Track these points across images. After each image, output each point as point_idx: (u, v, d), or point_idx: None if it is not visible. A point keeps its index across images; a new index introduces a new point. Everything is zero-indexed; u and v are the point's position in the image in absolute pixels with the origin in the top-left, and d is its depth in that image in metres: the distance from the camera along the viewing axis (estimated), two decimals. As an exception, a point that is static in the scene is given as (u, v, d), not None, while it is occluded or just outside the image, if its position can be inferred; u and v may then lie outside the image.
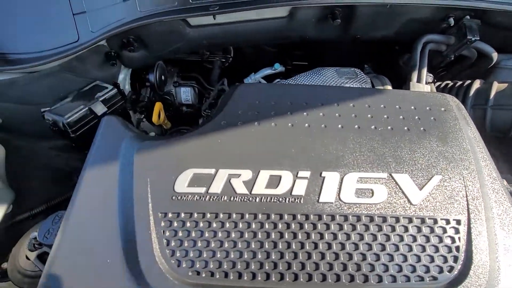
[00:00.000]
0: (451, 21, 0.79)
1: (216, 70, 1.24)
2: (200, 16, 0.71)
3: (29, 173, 0.91)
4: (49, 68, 0.77)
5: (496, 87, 0.79)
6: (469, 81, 0.85)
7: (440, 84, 0.91)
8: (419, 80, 0.79)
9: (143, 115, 1.10)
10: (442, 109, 0.61)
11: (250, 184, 0.48)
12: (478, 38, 0.77)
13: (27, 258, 0.71)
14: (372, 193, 0.48)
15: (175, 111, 1.23)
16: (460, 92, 0.84)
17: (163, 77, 1.10)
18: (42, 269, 0.66)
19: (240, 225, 0.45)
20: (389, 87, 0.90)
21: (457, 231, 0.46)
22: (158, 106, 0.89)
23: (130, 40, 0.80)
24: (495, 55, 0.83)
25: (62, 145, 0.94)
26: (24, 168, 0.91)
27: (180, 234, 0.45)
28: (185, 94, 1.24)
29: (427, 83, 0.82)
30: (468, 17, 0.79)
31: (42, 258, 0.69)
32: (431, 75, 0.87)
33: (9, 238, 0.80)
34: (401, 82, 0.94)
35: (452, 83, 0.89)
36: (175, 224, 0.45)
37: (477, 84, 0.83)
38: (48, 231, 0.65)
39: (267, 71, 1.13)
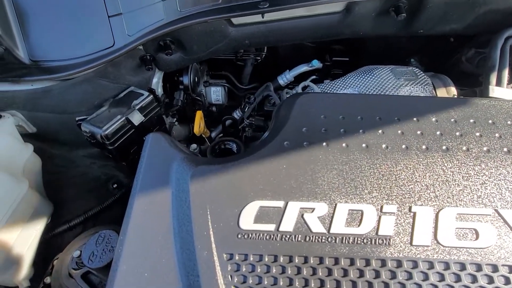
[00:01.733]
0: (541, 11, 0.67)
1: (248, 68, 1.16)
2: (248, 15, 0.62)
3: (65, 183, 0.89)
4: (84, 75, 0.72)
5: None
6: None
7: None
8: (499, 84, 0.68)
9: (175, 119, 1.05)
10: (545, 123, 0.50)
11: (327, 221, 0.41)
12: None
13: (69, 275, 0.69)
14: (477, 234, 0.40)
15: (205, 111, 1.17)
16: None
17: (196, 79, 1.04)
18: (85, 289, 0.64)
19: (320, 272, 0.39)
20: (453, 88, 0.79)
21: None
22: (199, 115, 0.83)
23: (167, 43, 0.73)
24: None
25: (97, 153, 0.91)
26: (60, 178, 0.88)
27: (250, 281, 0.39)
28: (216, 94, 1.18)
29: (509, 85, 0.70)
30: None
31: (86, 277, 0.67)
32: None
33: (49, 250, 0.79)
34: (462, 79, 0.83)
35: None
36: (244, 268, 0.39)
37: None
38: (93, 254, 0.61)
39: (303, 67, 1.04)
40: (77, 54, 0.69)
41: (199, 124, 0.81)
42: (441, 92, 0.79)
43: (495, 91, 0.67)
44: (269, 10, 0.61)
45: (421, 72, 0.81)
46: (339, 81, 0.85)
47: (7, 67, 0.70)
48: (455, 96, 0.76)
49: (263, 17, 0.68)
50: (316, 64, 1.04)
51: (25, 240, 0.71)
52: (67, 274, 0.70)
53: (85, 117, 0.75)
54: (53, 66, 0.69)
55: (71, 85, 0.73)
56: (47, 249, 0.79)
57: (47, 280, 0.74)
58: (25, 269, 0.70)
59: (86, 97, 0.77)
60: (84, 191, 0.91)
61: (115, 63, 0.74)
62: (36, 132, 0.83)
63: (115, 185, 0.93)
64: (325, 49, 1.17)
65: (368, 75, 0.82)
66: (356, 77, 0.84)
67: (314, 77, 0.98)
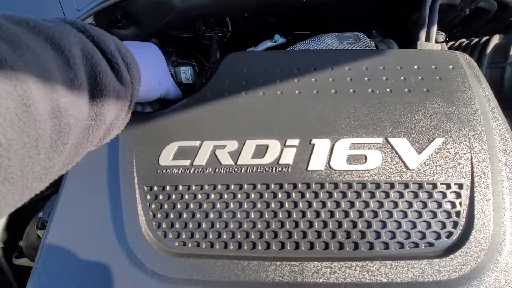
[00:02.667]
0: (466, -32, 0.70)
1: (214, 46, 1.19)
2: (184, -17, 0.66)
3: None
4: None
5: (517, 41, 0.70)
6: (486, 37, 0.76)
7: (454, 43, 0.82)
8: (428, 39, 0.72)
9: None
10: (450, 67, 0.55)
11: (235, 154, 0.47)
12: (498, -15, 0.68)
13: (38, 236, 0.75)
14: (366, 159, 0.45)
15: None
16: (475, 49, 0.76)
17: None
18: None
19: (225, 196, 0.44)
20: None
21: (458, 195, 0.42)
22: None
23: (118, 17, 0.77)
24: (518, 5, 0.73)
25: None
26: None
27: (166, 206, 0.44)
28: (185, 74, 1.21)
29: (437, 42, 0.74)
30: (485, -39, 0.69)
31: (52, 235, 0.73)
32: (443, 33, 0.79)
33: (23, 219, 0.85)
34: (412, 44, 0.86)
35: (467, 41, 0.80)
36: (161, 197, 0.45)
37: (495, 39, 0.74)
38: (52, 210, 0.68)
39: (268, 43, 1.07)
40: (31, 30, 0.73)
41: None
42: (384, 54, 0.83)
43: (423, 46, 0.71)
44: (203, -22, 0.65)
45: (364, 36, 0.85)
46: (290, 49, 0.89)
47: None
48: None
49: (201, -14, 0.72)
50: (279, 39, 1.07)
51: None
52: (36, 236, 0.76)
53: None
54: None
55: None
56: (22, 218, 0.85)
57: (21, 243, 0.80)
58: (-2, 231, 0.76)
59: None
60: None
61: (71, 39, 0.78)
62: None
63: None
64: (288, 25, 1.21)
65: (314, 41, 0.86)
66: (304, 44, 0.88)
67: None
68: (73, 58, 0.28)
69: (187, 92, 1.22)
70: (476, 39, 0.78)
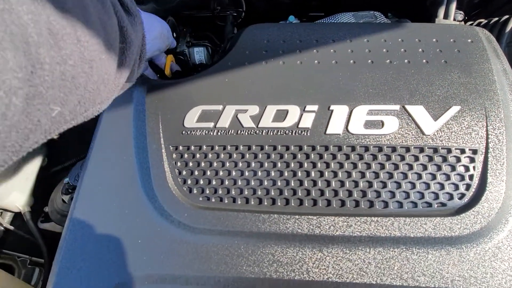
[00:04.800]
0: None
1: (228, 27, 1.20)
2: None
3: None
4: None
5: (538, 20, 0.69)
6: (506, 17, 0.75)
7: (472, 23, 0.82)
8: (446, 17, 0.72)
9: (157, 75, 1.13)
10: (469, 40, 0.55)
11: (256, 118, 0.49)
12: (521, -39, 0.67)
13: (63, 201, 0.79)
14: (382, 124, 0.47)
15: (190, 71, 1.24)
16: (494, 29, 0.75)
17: (174, 34, 1.09)
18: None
19: (247, 156, 0.47)
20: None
21: (472, 160, 0.44)
22: (169, 58, 0.90)
23: (138, -9, 0.79)
24: (541, -18, 0.72)
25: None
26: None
27: (190, 164, 0.47)
28: (199, 54, 1.23)
29: (455, 20, 0.74)
30: None
31: (76, 200, 0.77)
32: (461, 12, 0.78)
33: (47, 187, 0.90)
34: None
35: (486, 21, 0.80)
36: (186, 156, 0.48)
37: (515, 18, 0.73)
38: (77, 175, 0.71)
39: (281, 24, 1.08)
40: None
41: (170, 66, 0.88)
42: (400, 34, 0.83)
43: (441, 22, 0.71)
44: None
45: (381, 15, 0.85)
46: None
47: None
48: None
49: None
50: (293, 19, 1.07)
51: (23, 172, 0.82)
52: (60, 200, 0.80)
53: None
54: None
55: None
56: (46, 186, 0.90)
57: (46, 209, 0.85)
58: (25, 196, 0.81)
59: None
60: (77, 138, 1.00)
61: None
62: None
63: (104, 134, 1.02)
64: (302, 5, 1.20)
65: (331, 19, 0.86)
66: (321, 22, 0.88)
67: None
68: None
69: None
70: (496, 18, 0.77)
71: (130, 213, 0.46)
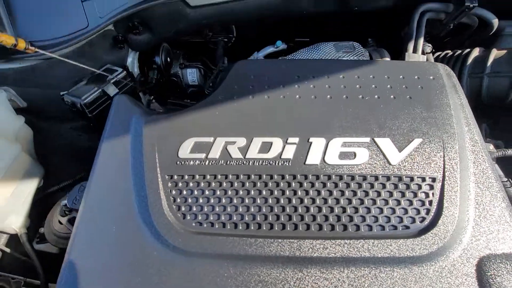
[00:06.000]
0: (450, -13, 0.78)
1: (219, 50, 1.27)
2: (197, -4, 0.74)
3: (54, 152, 1.02)
4: (65, 53, 0.84)
5: (494, 54, 0.79)
6: (468, 50, 0.84)
7: (440, 54, 0.91)
8: (415, 51, 0.80)
9: (152, 97, 1.18)
10: (431, 77, 0.63)
11: (244, 150, 0.54)
12: (477, 5, 0.76)
13: (59, 222, 0.82)
14: (355, 155, 0.53)
15: (183, 92, 1.29)
16: (458, 60, 0.84)
17: (168, 59, 1.15)
18: (73, 230, 0.77)
19: (236, 184, 0.52)
20: (388, 59, 0.91)
21: (431, 187, 0.50)
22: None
23: (135, 24, 0.85)
24: (495, 22, 0.82)
25: (82, 125, 1.04)
26: (49, 147, 1.01)
27: (184, 192, 0.52)
28: (191, 75, 1.29)
29: (424, 53, 0.82)
30: (467, -18, 0.77)
31: (72, 221, 0.80)
32: (429, 45, 0.87)
33: (42, 208, 0.92)
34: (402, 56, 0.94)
35: (451, 52, 0.89)
36: (180, 184, 0.53)
37: (476, 52, 0.82)
38: (76, 198, 0.75)
39: (270, 49, 1.15)
40: (57, 35, 0.81)
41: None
42: (377, 63, 0.91)
43: (410, 57, 0.79)
44: (215, -8, 0.73)
45: (359, 45, 0.93)
46: (291, 57, 0.97)
47: (-2, 48, 0.82)
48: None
49: (213, -1, 0.80)
50: (280, 44, 1.15)
51: (20, 194, 0.84)
52: (57, 222, 0.83)
53: (67, 91, 0.88)
54: (37, 46, 0.81)
55: (55, 63, 0.85)
56: (41, 207, 0.92)
57: (41, 230, 0.87)
58: (21, 218, 0.83)
59: (69, 74, 0.89)
60: (72, 159, 1.04)
61: (91, 43, 0.85)
62: (26, 107, 0.96)
63: (99, 154, 1.06)
64: (288, 32, 1.29)
65: (313, 50, 0.94)
66: (304, 52, 0.95)
67: (281, 57, 1.09)
68: None
69: (194, 93, 1.30)
70: (459, 51, 0.86)
71: (127, 237, 0.50)
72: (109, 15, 0.78)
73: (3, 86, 0.88)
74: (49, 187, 0.97)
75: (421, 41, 0.81)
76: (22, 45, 0.73)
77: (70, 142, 1.06)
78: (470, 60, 0.81)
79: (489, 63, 0.77)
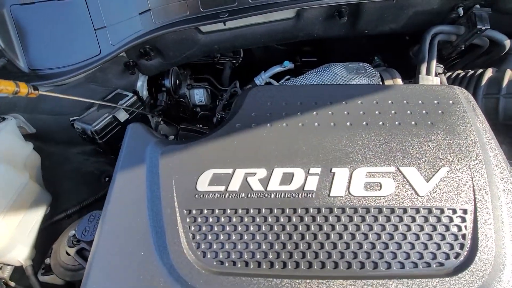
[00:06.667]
0: (460, 11, 0.79)
1: (227, 71, 1.28)
2: (211, 24, 0.74)
3: (61, 177, 1.00)
4: (76, 80, 0.84)
5: (509, 75, 0.78)
6: (481, 70, 0.84)
7: (451, 74, 0.91)
8: (428, 73, 0.80)
9: (160, 119, 1.17)
10: (450, 102, 0.62)
11: (265, 181, 0.53)
12: (489, 27, 0.76)
13: (67, 253, 0.79)
14: (381, 186, 0.51)
15: (190, 112, 1.29)
16: (471, 81, 0.83)
17: (177, 82, 1.16)
18: (81, 263, 0.74)
19: (258, 219, 0.50)
20: (399, 80, 0.91)
21: (463, 220, 0.48)
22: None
23: (146, 50, 0.85)
24: (507, 43, 0.82)
25: (90, 150, 1.02)
26: (57, 173, 0.99)
27: (204, 228, 0.50)
28: (199, 96, 1.30)
29: (437, 74, 0.82)
30: (478, 6, 0.78)
31: (81, 253, 0.77)
32: (441, 66, 0.87)
33: (48, 236, 0.89)
34: (412, 72, 0.94)
35: (463, 73, 0.88)
36: (199, 219, 0.51)
37: (489, 72, 0.82)
38: (85, 229, 0.72)
39: (277, 68, 1.16)
40: (69, 62, 0.81)
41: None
42: (389, 84, 0.91)
43: (424, 79, 0.79)
44: (228, 19, 0.73)
45: (370, 66, 0.93)
46: (301, 78, 0.97)
47: (9, 75, 0.82)
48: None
49: (225, 25, 0.81)
50: (288, 64, 1.16)
51: (27, 224, 0.82)
52: (65, 252, 0.80)
53: (78, 117, 0.87)
54: (49, 73, 0.81)
55: (65, 89, 0.85)
56: (47, 236, 0.89)
57: (47, 261, 0.84)
58: (27, 250, 0.80)
59: (78, 100, 0.88)
60: (79, 184, 1.01)
61: (102, 69, 0.86)
62: (35, 132, 0.95)
63: (107, 179, 1.04)
64: (296, 51, 1.30)
65: (324, 71, 0.94)
66: (314, 73, 0.95)
67: (288, 77, 1.10)
68: None
69: (201, 112, 1.29)
70: (472, 72, 0.86)
71: (145, 279, 0.48)
72: (122, 43, 0.79)
73: (12, 113, 0.88)
74: (56, 213, 0.94)
75: (434, 63, 0.81)
76: (24, 90, 0.66)
77: (77, 167, 1.05)
78: (484, 80, 0.80)
79: (504, 84, 0.76)
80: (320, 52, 1.32)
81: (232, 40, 0.87)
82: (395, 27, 0.88)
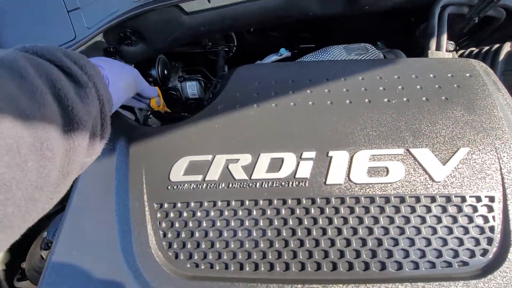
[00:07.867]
0: (473, -23, 0.70)
1: (220, 61, 1.20)
2: (193, -1, 0.67)
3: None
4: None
5: (531, 48, 0.69)
6: (497, 45, 0.75)
7: (464, 52, 0.81)
8: (438, 48, 0.71)
9: (149, 112, 1.10)
10: (467, 74, 0.53)
11: (249, 169, 0.45)
12: (506, -6, 0.67)
13: (42, 257, 0.72)
14: (387, 171, 0.43)
15: (182, 106, 1.22)
16: (487, 57, 0.74)
17: (165, 71, 1.09)
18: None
19: (240, 213, 0.42)
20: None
21: (490, 209, 0.39)
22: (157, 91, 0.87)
23: (127, 34, 0.78)
24: (528, 12, 0.73)
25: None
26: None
27: (177, 225, 0.42)
28: (191, 88, 1.22)
29: (447, 51, 0.73)
30: (493, -29, 0.69)
31: (56, 256, 0.69)
32: (452, 42, 0.78)
33: (26, 238, 0.83)
34: (422, 55, 0.85)
35: (477, 49, 0.79)
36: (172, 214, 0.43)
37: (507, 47, 0.73)
38: (57, 229, 0.65)
39: (273, 57, 1.08)
40: (42, 48, 0.74)
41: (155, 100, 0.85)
42: (393, 64, 0.82)
43: (434, 55, 0.70)
44: (212, -6, 0.66)
45: (372, 47, 0.84)
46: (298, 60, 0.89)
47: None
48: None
49: (209, 2, 0.73)
50: (284, 52, 1.08)
51: None
52: (39, 256, 0.73)
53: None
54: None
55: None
56: (24, 237, 0.83)
57: (23, 265, 0.77)
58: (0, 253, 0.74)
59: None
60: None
61: (80, 56, 0.79)
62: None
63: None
64: (292, 38, 1.22)
65: (322, 53, 0.85)
66: (312, 56, 0.87)
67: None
68: (33, 79, 0.28)
69: (194, 105, 1.22)
70: (487, 47, 0.77)
71: (108, 282, 0.40)
72: (98, 25, 0.72)
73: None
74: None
75: (445, 37, 0.71)
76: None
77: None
78: (502, 55, 0.71)
79: (526, 58, 0.67)
80: (319, 39, 1.23)
81: (219, 21, 0.80)
82: (399, 1, 0.79)
